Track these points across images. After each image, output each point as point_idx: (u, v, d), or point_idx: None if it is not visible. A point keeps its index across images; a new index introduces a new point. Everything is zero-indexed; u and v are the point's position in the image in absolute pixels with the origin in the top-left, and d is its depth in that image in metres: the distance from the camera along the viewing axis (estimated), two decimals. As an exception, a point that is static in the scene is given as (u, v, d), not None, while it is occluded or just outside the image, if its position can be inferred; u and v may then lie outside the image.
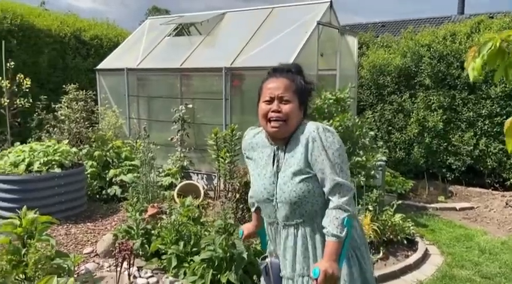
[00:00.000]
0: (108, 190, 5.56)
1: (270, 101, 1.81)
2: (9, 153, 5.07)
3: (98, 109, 6.82)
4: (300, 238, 1.81)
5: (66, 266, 3.24)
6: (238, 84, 5.97)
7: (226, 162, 5.44)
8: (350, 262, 1.78)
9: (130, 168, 5.71)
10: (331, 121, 4.77)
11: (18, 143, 5.38)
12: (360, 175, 4.57)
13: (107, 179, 5.65)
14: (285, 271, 1.88)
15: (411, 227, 4.56)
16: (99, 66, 7.48)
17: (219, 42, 6.60)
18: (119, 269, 2.95)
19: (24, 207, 3.27)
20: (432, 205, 6.06)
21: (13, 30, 7.50)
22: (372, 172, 4.80)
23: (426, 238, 4.79)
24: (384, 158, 5.33)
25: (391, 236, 4.37)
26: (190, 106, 6.19)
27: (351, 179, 1.82)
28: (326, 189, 1.75)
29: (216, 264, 3.47)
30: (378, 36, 9.11)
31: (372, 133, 5.20)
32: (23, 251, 3.10)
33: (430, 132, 7.11)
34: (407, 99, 7.40)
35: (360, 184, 4.52)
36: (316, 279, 1.64)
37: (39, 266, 3.04)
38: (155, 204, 4.71)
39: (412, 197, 6.55)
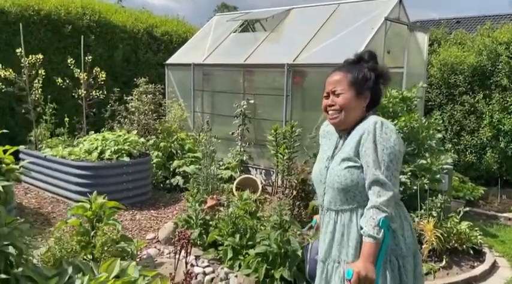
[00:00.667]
0: (172, 180, 5.78)
1: (327, 96, 1.91)
2: (84, 141, 5.44)
3: (165, 102, 7.11)
4: (339, 225, 1.83)
5: (129, 250, 3.42)
6: (299, 80, 5.92)
7: (285, 158, 5.43)
8: (387, 268, 1.72)
9: (193, 159, 5.89)
10: (395, 121, 4.58)
11: (92, 132, 5.75)
12: (423, 179, 4.35)
13: (171, 169, 5.88)
14: (321, 254, 1.91)
15: (479, 237, 4.27)
16: (168, 61, 7.77)
17: (283, 38, 6.59)
18: (177, 256, 3.06)
19: (95, 192, 3.48)
20: (504, 215, 5.62)
21: (92, 26, 8.01)
22: (438, 176, 4.55)
23: (495, 250, 4.46)
24: (451, 161, 5.02)
25: (456, 245, 4.12)
26: (252, 101, 6.25)
27: (409, 184, 1.74)
28: (366, 183, 1.73)
29: (270, 259, 3.49)
30: (451, 33, 8.59)
31: (440, 135, 4.92)
32: (92, 233, 3.32)
33: (505, 135, 6.60)
34: (480, 99, 6.91)
35: (423, 188, 4.31)
36: (349, 280, 1.61)
37: (106, 248, 3.24)
38: (214, 196, 4.82)
39: (482, 205, 6.12)
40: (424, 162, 4.46)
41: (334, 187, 1.81)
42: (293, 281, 3.36)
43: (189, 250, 2.86)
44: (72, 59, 6.03)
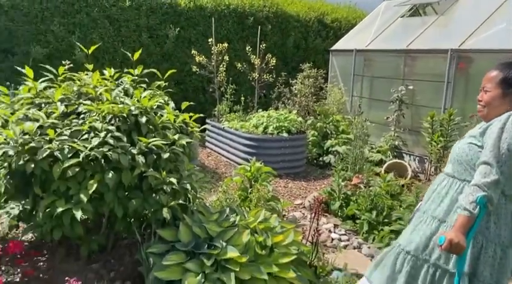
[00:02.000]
0: (324, 158, 6.28)
1: (481, 90, 2.05)
2: (254, 117, 6.34)
3: (326, 86, 7.58)
4: (451, 191, 1.99)
5: (277, 208, 4.08)
6: (464, 67, 5.62)
7: (439, 146, 5.35)
8: (471, 243, 1.84)
9: (345, 140, 6.24)
10: None
11: (260, 110, 6.63)
12: None
13: (324, 148, 6.37)
14: (423, 206, 2.12)
15: None
16: (333, 47, 8.17)
17: (451, 23, 6.28)
18: (313, 215, 3.52)
19: (254, 158, 4.23)
20: None
21: (270, 17, 8.94)
22: None
23: None
24: None
25: None
26: (411, 87, 6.20)
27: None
28: (478, 162, 1.85)
29: (401, 236, 3.68)
30: None
31: None
32: (249, 190, 4.08)
33: None
34: None
35: None
36: (441, 246, 1.78)
37: (258, 203, 3.96)
38: (359, 175, 5.14)
39: None
40: None
41: (453, 157, 2.03)
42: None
43: (320, 212, 3.30)
44: (249, 47, 6.98)
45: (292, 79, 7.31)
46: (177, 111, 3.29)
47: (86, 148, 2.50)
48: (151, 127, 2.86)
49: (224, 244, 2.69)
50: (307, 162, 6.26)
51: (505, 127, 1.81)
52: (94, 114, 2.72)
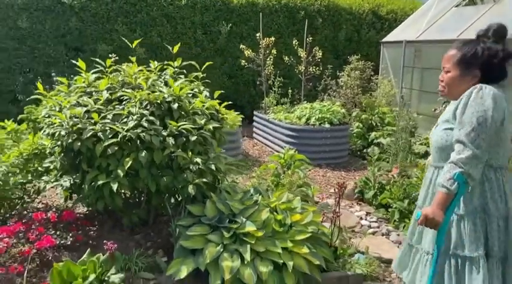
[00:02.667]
0: (368, 150, 6.26)
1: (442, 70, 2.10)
2: (298, 109, 6.49)
3: (376, 78, 7.50)
4: (434, 180, 2.03)
5: (308, 193, 4.23)
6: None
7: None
8: (473, 220, 1.88)
9: (390, 132, 6.18)
10: None
11: (305, 102, 6.76)
12: None
13: (369, 140, 6.35)
14: (419, 202, 2.19)
15: None
16: (384, 39, 8.04)
17: (505, 11, 5.95)
18: (337, 199, 3.62)
19: (288, 146, 4.41)
20: None
21: (321, 10, 8.98)
22: None
23: None
24: None
25: None
26: (461, 78, 5.98)
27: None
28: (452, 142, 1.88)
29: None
30: None
31: None
32: (281, 176, 4.26)
33: None
34: None
35: None
36: (417, 220, 1.86)
37: (292, 188, 4.13)
38: (398, 165, 5.11)
39: None
40: None
41: (432, 146, 2.06)
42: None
43: (341, 195, 3.42)
44: (296, 41, 7.12)
45: (340, 71, 7.34)
46: (215, 101, 3.53)
47: (124, 129, 2.84)
48: (182, 113, 3.15)
49: (244, 219, 2.92)
50: (351, 153, 6.29)
51: (469, 103, 1.83)
52: (132, 101, 3.07)
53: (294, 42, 7.14)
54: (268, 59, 7.08)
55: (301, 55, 7.05)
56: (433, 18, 7.21)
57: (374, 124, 6.46)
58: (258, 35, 7.14)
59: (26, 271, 2.66)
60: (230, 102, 3.86)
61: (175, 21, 7.97)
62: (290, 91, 7.29)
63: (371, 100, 6.66)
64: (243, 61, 7.23)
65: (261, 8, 8.49)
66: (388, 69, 7.71)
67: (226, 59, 8.35)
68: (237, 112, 6.32)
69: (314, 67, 7.01)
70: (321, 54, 6.95)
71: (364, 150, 6.37)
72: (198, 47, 8.14)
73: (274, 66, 7.27)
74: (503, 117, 1.86)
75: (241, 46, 7.30)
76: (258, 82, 7.55)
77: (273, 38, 7.05)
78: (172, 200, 3.57)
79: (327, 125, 5.86)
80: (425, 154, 5.98)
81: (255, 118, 7.27)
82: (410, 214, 4.09)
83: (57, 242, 3.05)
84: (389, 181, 4.57)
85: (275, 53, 7.10)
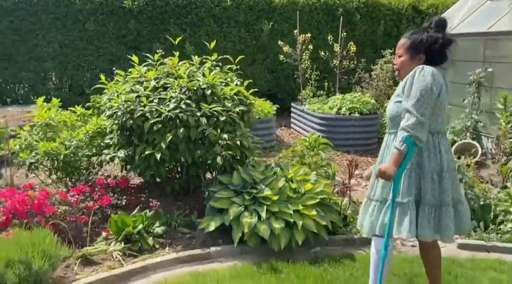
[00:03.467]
0: (397, 138, 6.54)
1: (396, 55, 2.52)
2: (331, 100, 6.89)
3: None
4: (390, 143, 2.41)
5: (329, 172, 4.67)
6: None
7: (509, 126, 5.30)
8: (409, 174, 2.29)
9: (419, 122, 6.41)
10: None
11: (338, 93, 7.13)
12: None
13: (399, 129, 6.62)
14: (377, 161, 2.56)
15: None
16: (420, 33, 8.17)
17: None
18: (349, 174, 4.03)
19: (313, 131, 4.86)
20: None
21: (360, 7, 9.25)
22: None
23: None
24: None
25: None
26: (490, 70, 6.10)
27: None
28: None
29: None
30: None
31: None
32: (306, 157, 4.73)
33: None
34: None
35: None
36: (376, 173, 2.28)
37: (313, 167, 4.59)
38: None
39: None
40: None
41: (387, 117, 2.47)
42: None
43: (352, 172, 3.85)
44: (332, 36, 7.50)
45: (374, 65, 7.63)
46: (242, 87, 4.06)
47: (166, 110, 3.48)
48: (215, 98, 3.73)
49: (263, 186, 3.46)
50: (379, 141, 6.60)
51: (414, 80, 2.23)
52: (174, 87, 3.69)
53: (329, 38, 7.53)
54: (304, 54, 7.52)
55: (336, 50, 7.42)
56: (468, 12, 7.28)
57: (404, 114, 6.70)
58: (295, 31, 7.60)
59: (90, 222, 3.37)
60: (256, 90, 4.39)
61: (221, 21, 8.61)
62: (326, 84, 7.68)
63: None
64: (281, 56, 7.72)
65: (301, 6, 8.92)
66: (423, 62, 7.84)
67: (267, 54, 8.89)
68: (276, 105, 6.87)
69: (348, 61, 7.36)
70: (355, 48, 7.28)
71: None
72: (242, 44, 8.73)
73: (312, 61, 7.70)
74: (440, 90, 2.26)
75: (279, 42, 7.80)
76: (295, 76, 8.01)
77: (309, 34, 7.48)
78: (208, 175, 4.19)
79: (356, 114, 6.22)
80: (453, 144, 6.17)
81: (292, 109, 7.76)
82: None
83: (114, 202, 3.75)
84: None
85: (311, 48, 7.53)
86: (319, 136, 4.86)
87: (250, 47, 8.81)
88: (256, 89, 4.31)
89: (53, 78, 8.65)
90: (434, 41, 2.34)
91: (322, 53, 7.65)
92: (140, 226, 3.30)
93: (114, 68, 8.18)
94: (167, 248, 3.31)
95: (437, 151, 2.31)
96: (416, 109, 2.20)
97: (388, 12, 9.44)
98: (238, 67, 4.39)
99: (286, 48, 7.60)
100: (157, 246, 3.31)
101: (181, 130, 3.47)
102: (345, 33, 7.41)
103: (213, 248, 3.30)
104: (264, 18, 8.78)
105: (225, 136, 3.53)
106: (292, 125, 7.86)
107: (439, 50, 2.36)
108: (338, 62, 7.45)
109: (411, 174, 2.32)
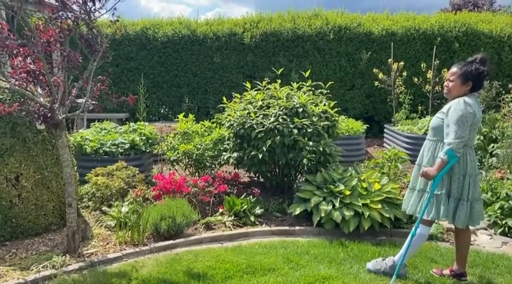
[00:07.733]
0: (489, 160, 6.69)
1: (447, 80, 3.15)
2: (420, 122, 7.31)
3: (507, 97, 7.69)
4: (431, 148, 3.08)
5: (404, 181, 5.23)
6: None
7: None
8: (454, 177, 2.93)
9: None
10: None
11: (429, 116, 7.50)
12: None
13: (489, 151, 6.76)
14: (418, 159, 3.23)
15: None
16: None
17: None
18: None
19: (400, 149, 5.48)
20: None
21: (459, 36, 9.42)
22: None
23: None
24: None
25: None
26: None
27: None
28: (444, 132, 2.95)
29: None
30: None
31: None
32: (384, 167, 5.37)
33: None
34: None
35: None
36: (420, 173, 2.99)
37: (392, 177, 5.22)
38: (502, 171, 5.60)
39: None
40: None
41: (430, 127, 3.15)
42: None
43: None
44: (424, 64, 7.95)
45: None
46: (326, 106, 4.96)
47: (268, 123, 4.56)
48: (305, 114, 4.71)
49: (339, 184, 4.28)
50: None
51: (452, 110, 2.91)
52: (274, 106, 4.77)
53: (422, 65, 7.98)
54: (397, 80, 8.08)
55: (429, 77, 7.84)
56: None
57: (494, 137, 6.82)
58: (389, 60, 8.22)
59: (211, 202, 4.56)
60: (340, 109, 5.22)
61: (324, 52, 9.60)
62: (420, 107, 8.09)
63: (493, 116, 7.02)
64: (377, 82, 8.38)
65: (399, 37, 9.47)
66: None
67: (365, 81, 9.57)
68: (367, 125, 7.53)
69: (441, 86, 7.70)
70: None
71: (483, 160, 6.78)
72: (342, 72, 9.58)
73: (406, 86, 8.20)
74: (473, 119, 2.89)
75: (374, 70, 8.48)
76: (388, 100, 8.56)
77: (402, 63, 8.03)
78: (299, 176, 5.14)
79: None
80: None
81: (385, 130, 8.31)
82: (492, 204, 4.72)
83: (229, 190, 4.91)
84: (484, 180, 5.20)
85: (405, 74, 8.05)
86: (398, 151, 5.47)
87: (350, 74, 9.60)
88: (342, 108, 5.15)
89: (186, 101, 10.51)
90: (480, 73, 2.99)
91: (416, 79, 8.11)
92: (245, 206, 4.38)
93: (233, 93, 9.70)
94: (264, 225, 4.32)
95: (465, 160, 2.98)
96: (456, 132, 2.87)
97: (489, 41, 9.42)
98: (329, 90, 5.31)
99: (380, 75, 8.24)
100: (256, 223, 4.34)
101: (278, 138, 4.50)
102: (437, 61, 7.79)
103: (297, 227, 4.21)
104: (363, 48, 9.53)
105: (311, 143, 4.46)
106: (384, 144, 8.39)
107: (481, 80, 3.02)
108: (431, 87, 7.84)
109: (444, 176, 3.00)
